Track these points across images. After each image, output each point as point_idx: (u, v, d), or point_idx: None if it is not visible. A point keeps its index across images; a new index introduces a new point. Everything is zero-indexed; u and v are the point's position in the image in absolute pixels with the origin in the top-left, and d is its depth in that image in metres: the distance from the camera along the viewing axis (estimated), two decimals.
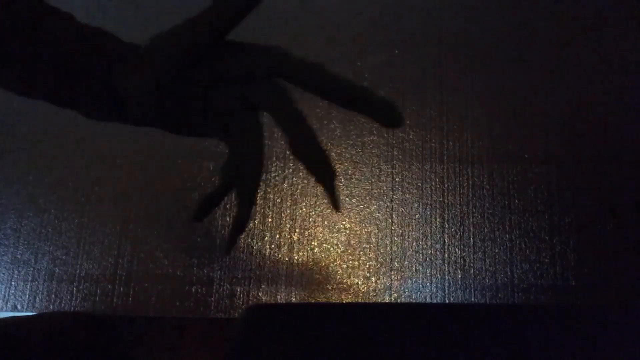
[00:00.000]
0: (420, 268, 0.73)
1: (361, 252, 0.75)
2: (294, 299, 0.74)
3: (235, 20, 0.36)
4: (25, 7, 0.39)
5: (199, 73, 0.37)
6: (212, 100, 0.38)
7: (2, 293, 0.79)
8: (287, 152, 0.80)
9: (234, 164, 0.39)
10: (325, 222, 0.77)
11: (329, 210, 0.77)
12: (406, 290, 0.73)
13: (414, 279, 0.73)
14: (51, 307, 0.77)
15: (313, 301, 0.73)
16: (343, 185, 0.78)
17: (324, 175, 0.36)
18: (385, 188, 0.77)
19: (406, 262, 0.74)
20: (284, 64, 0.36)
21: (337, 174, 0.38)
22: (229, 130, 0.38)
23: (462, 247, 0.74)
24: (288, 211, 0.77)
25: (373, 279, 0.74)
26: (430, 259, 0.74)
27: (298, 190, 0.78)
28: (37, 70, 0.38)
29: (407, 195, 0.76)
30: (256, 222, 0.77)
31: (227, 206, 0.79)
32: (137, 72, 0.37)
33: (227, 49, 0.37)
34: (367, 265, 0.74)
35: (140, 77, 0.37)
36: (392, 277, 0.73)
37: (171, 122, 0.39)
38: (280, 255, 0.76)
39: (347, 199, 0.77)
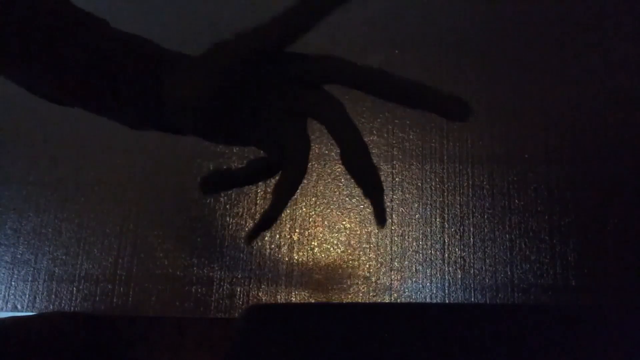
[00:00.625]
0: (420, 268, 0.73)
1: (361, 252, 0.75)
2: (294, 299, 0.74)
3: (298, 36, 0.36)
4: (55, 12, 0.38)
5: (250, 81, 0.37)
6: (260, 109, 0.37)
7: (2, 293, 0.79)
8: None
9: (290, 170, 0.38)
10: (325, 222, 0.77)
11: (329, 210, 0.77)
12: (406, 290, 0.73)
13: (414, 279, 0.73)
14: (51, 307, 0.77)
15: (313, 301, 0.73)
16: (343, 185, 0.78)
17: (373, 190, 0.36)
18: (385, 188, 0.77)
19: (406, 262, 0.74)
20: (340, 69, 0.36)
21: (384, 189, 0.38)
22: (274, 138, 0.38)
23: (462, 247, 0.74)
24: (288, 211, 0.77)
25: (373, 279, 0.74)
26: (430, 259, 0.74)
27: (298, 190, 0.78)
28: (71, 77, 0.38)
29: (407, 195, 0.76)
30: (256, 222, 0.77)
31: (227, 206, 0.79)
32: (189, 80, 0.36)
33: (279, 56, 0.37)
34: (367, 265, 0.74)
35: (192, 85, 0.36)
36: (392, 277, 0.73)
37: (215, 130, 0.38)
38: (280, 255, 0.76)
39: (347, 199, 0.77)
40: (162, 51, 0.39)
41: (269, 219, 0.38)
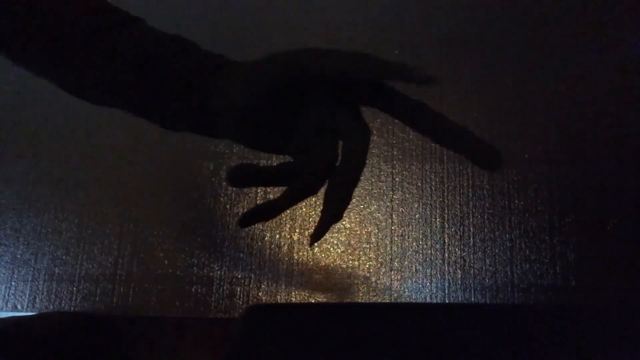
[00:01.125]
0: (420, 268, 0.73)
1: (361, 252, 0.75)
2: (294, 299, 0.74)
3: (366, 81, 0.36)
4: (93, 12, 0.38)
5: (295, 94, 0.37)
6: (300, 123, 0.38)
7: (2, 293, 0.79)
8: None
9: (309, 175, 0.38)
10: None
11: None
12: (406, 290, 0.73)
13: (414, 279, 0.73)
14: (51, 307, 0.77)
15: (313, 301, 0.73)
16: None
17: (331, 215, 0.36)
18: (385, 188, 0.77)
19: (406, 262, 0.74)
20: (384, 97, 0.36)
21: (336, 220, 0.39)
22: (305, 150, 0.38)
23: (462, 247, 0.74)
24: (288, 211, 0.77)
25: (373, 279, 0.74)
26: (430, 259, 0.73)
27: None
28: (114, 77, 0.38)
29: (407, 195, 0.76)
30: None
31: (228, 206, 0.79)
32: (235, 85, 0.36)
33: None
34: (367, 265, 0.74)
35: (237, 91, 0.36)
36: (392, 277, 0.73)
37: (254, 137, 0.38)
38: (280, 255, 0.76)
39: None
40: (209, 53, 0.39)
41: (270, 211, 0.37)
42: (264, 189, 0.79)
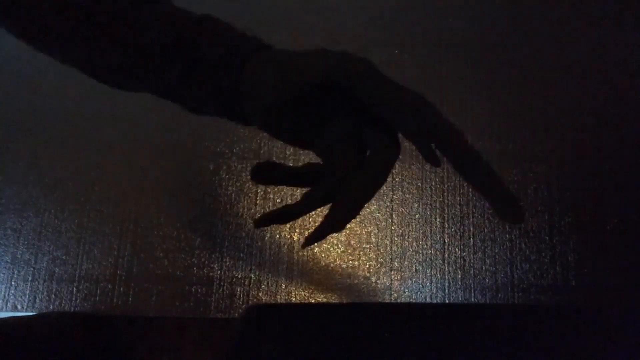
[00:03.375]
0: (420, 268, 0.73)
1: (361, 252, 0.75)
2: (294, 299, 0.74)
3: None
4: None
5: (334, 95, 0.35)
6: (330, 123, 0.36)
7: (2, 293, 0.79)
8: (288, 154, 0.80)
9: (329, 181, 0.36)
10: None
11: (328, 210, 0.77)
12: (406, 290, 0.73)
13: (414, 279, 0.73)
14: (51, 307, 0.77)
15: (313, 301, 0.73)
16: None
17: (333, 223, 0.35)
18: (385, 188, 0.77)
19: (406, 262, 0.74)
20: (424, 120, 0.34)
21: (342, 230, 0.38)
22: (333, 153, 0.37)
23: (462, 247, 0.74)
24: None
25: (373, 279, 0.74)
26: (430, 259, 0.73)
27: (297, 190, 0.78)
28: (139, 58, 0.36)
29: (407, 195, 0.76)
30: None
31: (227, 206, 0.79)
32: (270, 75, 0.35)
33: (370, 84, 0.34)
34: (367, 265, 0.74)
35: (275, 79, 0.35)
36: (392, 277, 0.73)
37: (282, 128, 0.37)
38: (280, 255, 0.76)
39: None
40: (244, 35, 0.37)
41: (288, 215, 0.36)
42: (263, 189, 0.79)
